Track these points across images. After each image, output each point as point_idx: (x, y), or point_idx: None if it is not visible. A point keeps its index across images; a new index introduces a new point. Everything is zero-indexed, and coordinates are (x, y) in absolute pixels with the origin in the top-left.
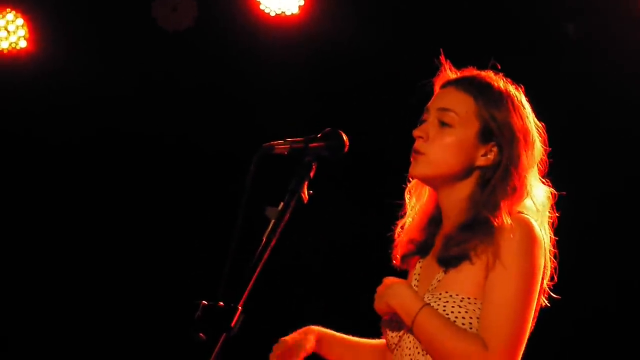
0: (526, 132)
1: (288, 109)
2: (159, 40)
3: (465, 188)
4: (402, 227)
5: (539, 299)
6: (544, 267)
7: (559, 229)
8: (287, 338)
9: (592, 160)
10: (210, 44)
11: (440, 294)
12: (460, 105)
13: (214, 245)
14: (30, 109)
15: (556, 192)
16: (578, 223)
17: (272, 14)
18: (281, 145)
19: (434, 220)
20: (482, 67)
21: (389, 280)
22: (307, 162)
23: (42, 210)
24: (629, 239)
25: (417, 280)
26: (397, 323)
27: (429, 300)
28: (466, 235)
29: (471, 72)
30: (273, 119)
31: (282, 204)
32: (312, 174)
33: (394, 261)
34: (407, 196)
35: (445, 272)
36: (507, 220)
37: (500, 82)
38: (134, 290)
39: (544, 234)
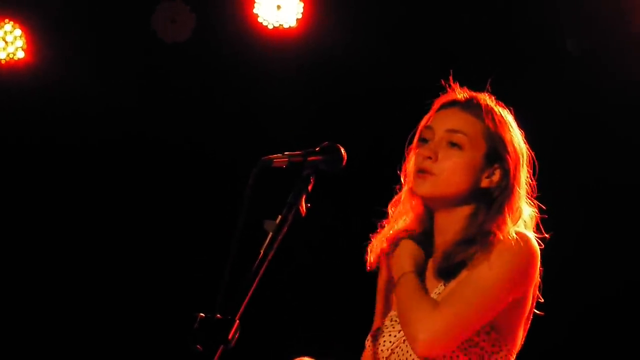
0: (523, 154)
1: (286, 121)
2: (158, 52)
3: (466, 208)
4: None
5: (531, 310)
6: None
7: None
8: None
9: (592, 169)
10: (209, 56)
11: None
12: (469, 126)
13: (211, 257)
14: (27, 119)
15: (538, 214)
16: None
17: (270, 26)
18: (279, 159)
19: (420, 237)
20: (480, 82)
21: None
22: (305, 176)
23: (39, 218)
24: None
25: None
26: (389, 338)
27: None
28: (466, 247)
29: (474, 94)
30: (271, 131)
31: (280, 217)
32: (310, 188)
33: (368, 263)
34: (391, 209)
35: (445, 284)
36: (504, 235)
37: (498, 105)
38: (132, 301)
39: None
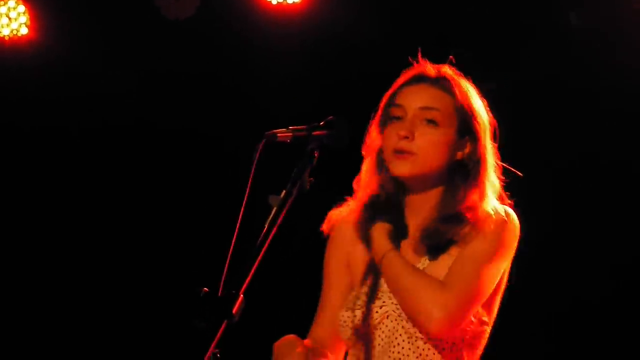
0: (488, 124)
1: (289, 98)
2: (161, 29)
3: (442, 183)
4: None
5: (501, 282)
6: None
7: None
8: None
9: (592, 146)
10: (212, 32)
11: None
12: (441, 102)
13: (216, 232)
14: (30, 96)
15: (504, 180)
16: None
17: (274, 2)
18: (284, 133)
19: (389, 217)
20: (482, 59)
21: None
22: (309, 150)
23: (42, 198)
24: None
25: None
26: (369, 313)
27: None
28: (455, 224)
29: (439, 67)
30: (274, 108)
31: (284, 191)
32: (314, 162)
33: (326, 226)
34: (356, 186)
35: (430, 260)
36: (490, 209)
37: (460, 76)
38: (136, 277)
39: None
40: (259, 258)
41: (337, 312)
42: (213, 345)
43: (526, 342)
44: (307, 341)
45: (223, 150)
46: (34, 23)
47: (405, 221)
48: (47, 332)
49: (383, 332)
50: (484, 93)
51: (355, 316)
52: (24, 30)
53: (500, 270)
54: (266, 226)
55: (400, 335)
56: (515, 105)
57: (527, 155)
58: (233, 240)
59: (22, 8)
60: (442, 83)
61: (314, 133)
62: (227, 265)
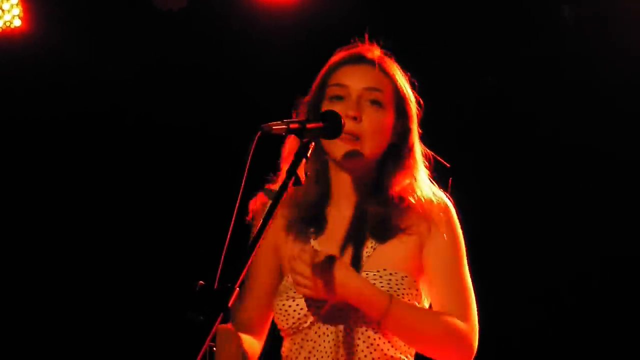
0: (415, 110)
1: (283, 91)
2: (153, 20)
3: (376, 166)
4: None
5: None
6: None
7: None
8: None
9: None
10: (205, 24)
11: (379, 271)
12: (384, 85)
13: (211, 225)
14: (24, 88)
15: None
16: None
17: None
18: (279, 126)
19: (317, 197)
20: (478, 48)
21: (323, 264)
22: (304, 143)
23: (35, 191)
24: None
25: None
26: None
27: (370, 278)
28: (390, 208)
29: (375, 50)
30: (267, 101)
31: (279, 184)
32: (309, 155)
33: (250, 213)
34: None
35: (378, 244)
36: (428, 192)
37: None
38: (132, 271)
39: None
40: (255, 251)
41: (271, 299)
42: (209, 338)
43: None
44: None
45: (217, 142)
46: (27, 15)
47: (337, 207)
48: (44, 327)
49: (329, 321)
50: (480, 86)
51: (297, 305)
52: (17, 22)
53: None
54: (261, 219)
55: (349, 325)
56: (512, 98)
57: (523, 148)
58: (229, 233)
59: (15, 0)
60: (382, 65)
61: (309, 126)
62: (222, 258)
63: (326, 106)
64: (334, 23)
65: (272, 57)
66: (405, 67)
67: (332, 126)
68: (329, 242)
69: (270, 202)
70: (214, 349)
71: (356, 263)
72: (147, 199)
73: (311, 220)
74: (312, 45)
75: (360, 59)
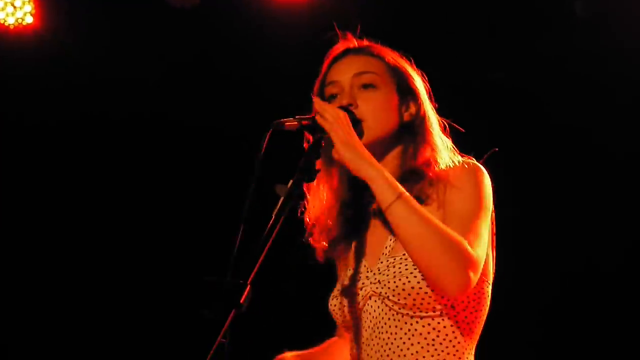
0: (425, 88)
1: (293, 88)
2: (166, 18)
3: (396, 149)
4: (316, 222)
5: (492, 237)
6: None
7: None
8: None
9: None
10: (217, 22)
11: (403, 255)
12: (374, 65)
13: (224, 222)
14: (35, 85)
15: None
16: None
17: None
18: (291, 122)
19: (350, 196)
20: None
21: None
22: (316, 139)
23: (47, 189)
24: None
25: (364, 260)
26: (353, 297)
27: (393, 263)
28: (413, 182)
29: (359, 39)
30: (278, 98)
31: (291, 181)
32: (321, 151)
33: (318, 257)
34: (320, 186)
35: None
36: (449, 161)
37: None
38: (145, 267)
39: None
40: (267, 248)
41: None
42: (221, 334)
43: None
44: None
45: (229, 139)
46: (38, 12)
47: (364, 203)
48: (54, 324)
49: (370, 313)
50: (490, 82)
51: (341, 303)
52: (29, 19)
53: (489, 220)
54: (273, 216)
55: (386, 314)
56: (523, 94)
57: (535, 142)
58: (241, 230)
59: None
60: (367, 50)
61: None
62: (235, 254)
63: None
64: (346, 21)
65: (284, 55)
66: (416, 63)
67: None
68: (371, 238)
69: (282, 198)
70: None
71: (380, 251)
72: (162, 196)
73: (347, 226)
74: (324, 42)
75: (344, 53)
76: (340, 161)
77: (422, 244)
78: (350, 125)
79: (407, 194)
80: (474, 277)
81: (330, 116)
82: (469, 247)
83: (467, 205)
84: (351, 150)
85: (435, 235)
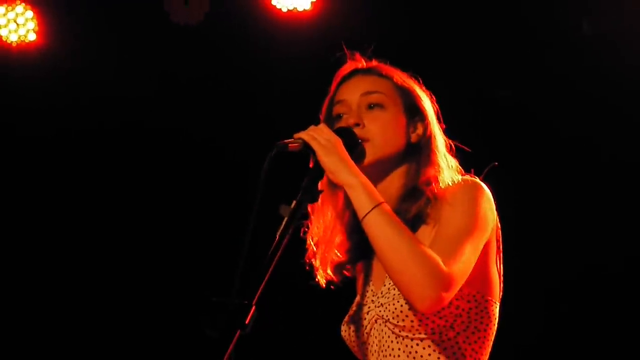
0: (434, 109)
1: (298, 105)
2: (170, 35)
3: (400, 165)
4: (318, 245)
5: (490, 252)
6: (495, 226)
7: None
8: None
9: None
10: (222, 39)
11: None
12: (381, 85)
13: (227, 242)
14: (39, 102)
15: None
16: None
17: (284, 9)
18: (294, 143)
19: (356, 221)
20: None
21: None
22: (317, 159)
23: (51, 205)
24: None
25: (371, 284)
26: (360, 322)
27: (394, 286)
28: (413, 199)
29: (366, 60)
30: (283, 115)
31: (294, 201)
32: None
33: (321, 283)
34: (324, 207)
35: None
36: (449, 181)
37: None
38: (149, 287)
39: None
40: (271, 268)
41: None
42: (227, 355)
43: None
44: None
45: (233, 158)
46: (42, 29)
47: None
48: (59, 344)
49: (376, 337)
50: (500, 100)
51: (350, 329)
52: (31, 36)
53: (483, 238)
54: (277, 236)
55: (389, 337)
56: (530, 112)
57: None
58: (244, 251)
59: (30, 14)
60: (375, 70)
61: None
62: (239, 275)
63: (335, 126)
64: (352, 37)
65: (289, 72)
66: (423, 81)
67: (346, 142)
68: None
69: (286, 218)
70: None
71: (385, 274)
72: (165, 215)
73: (357, 246)
74: (328, 60)
75: (351, 73)
76: (322, 167)
77: (395, 256)
78: (333, 134)
79: (387, 205)
80: (446, 295)
81: (309, 130)
82: (441, 264)
83: (455, 222)
84: (330, 154)
85: (408, 249)
